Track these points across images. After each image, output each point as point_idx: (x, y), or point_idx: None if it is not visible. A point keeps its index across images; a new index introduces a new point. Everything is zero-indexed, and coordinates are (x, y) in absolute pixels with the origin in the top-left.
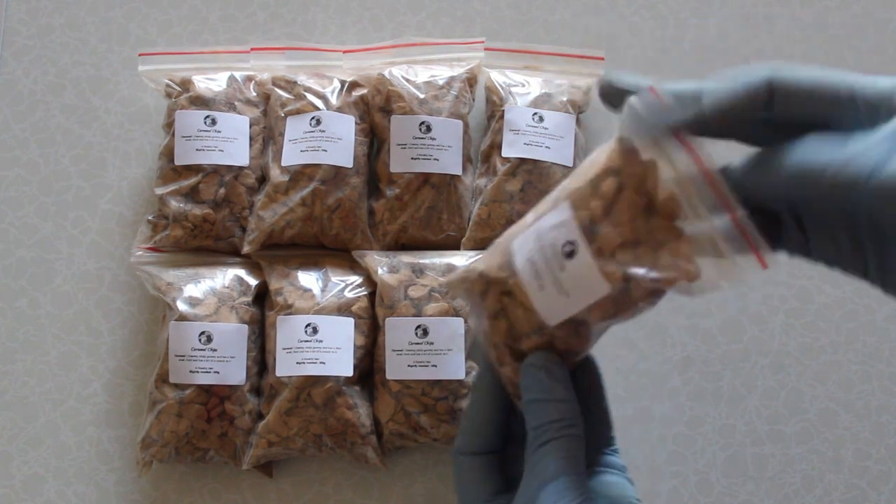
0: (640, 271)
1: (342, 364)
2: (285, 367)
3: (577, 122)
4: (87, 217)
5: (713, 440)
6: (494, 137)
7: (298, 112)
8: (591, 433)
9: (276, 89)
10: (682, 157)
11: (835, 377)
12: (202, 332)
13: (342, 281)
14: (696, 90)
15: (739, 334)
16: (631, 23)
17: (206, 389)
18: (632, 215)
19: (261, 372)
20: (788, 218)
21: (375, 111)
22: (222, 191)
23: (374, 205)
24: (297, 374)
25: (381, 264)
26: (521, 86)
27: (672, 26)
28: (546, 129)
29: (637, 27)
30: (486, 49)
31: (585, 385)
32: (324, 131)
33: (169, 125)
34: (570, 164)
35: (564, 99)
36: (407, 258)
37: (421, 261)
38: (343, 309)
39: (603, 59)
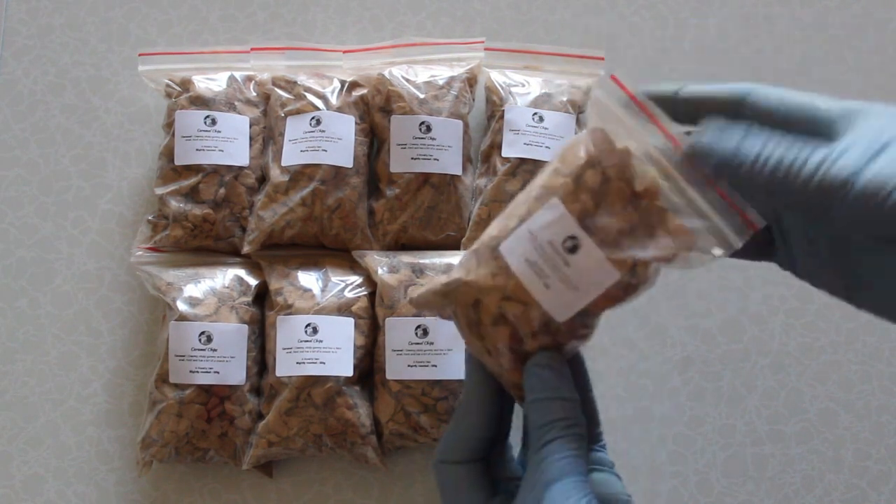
0: (643, 253)
1: (342, 364)
2: (285, 367)
3: (577, 122)
4: (87, 217)
5: (713, 440)
6: (494, 137)
7: (298, 112)
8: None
9: (276, 89)
10: (656, 138)
11: (835, 377)
12: (202, 332)
13: (342, 281)
14: (678, 84)
15: (739, 334)
16: (631, 23)
17: (206, 389)
18: (623, 203)
19: (261, 372)
20: (776, 231)
21: (375, 111)
22: (222, 191)
23: (374, 205)
24: (297, 374)
25: (381, 264)
26: (521, 86)
27: (672, 26)
28: (546, 129)
29: (637, 27)
30: (486, 49)
31: (574, 378)
32: (324, 131)
33: (169, 125)
34: None
35: (564, 99)
36: (407, 258)
37: (421, 261)
38: (343, 309)
39: (603, 58)
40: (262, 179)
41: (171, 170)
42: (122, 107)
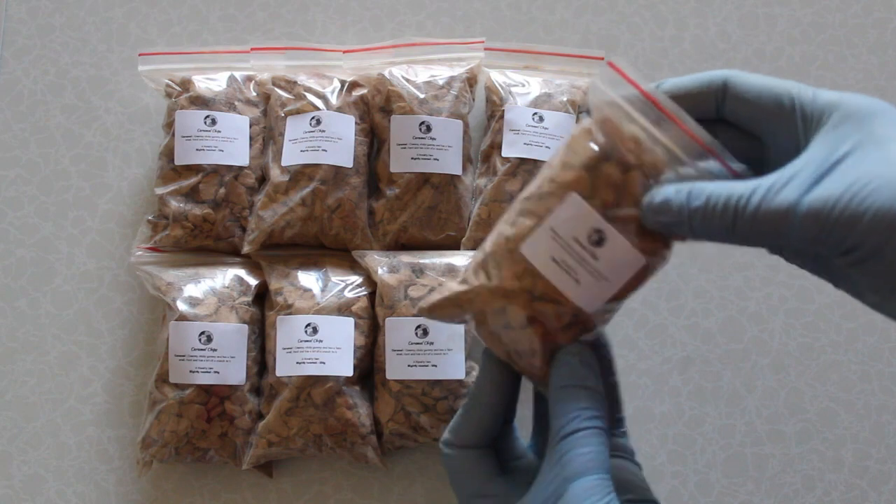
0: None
1: (342, 364)
2: (285, 366)
3: (578, 121)
4: (87, 217)
5: (713, 440)
6: (494, 137)
7: (298, 112)
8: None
9: (276, 89)
10: (657, 115)
11: (835, 377)
12: (202, 332)
13: (342, 281)
14: (655, 83)
15: (739, 334)
16: (631, 23)
17: (206, 389)
18: (641, 190)
19: (261, 372)
20: None
21: (375, 111)
22: (222, 191)
23: (374, 205)
24: (297, 374)
25: (381, 264)
26: (521, 86)
27: (672, 26)
28: (546, 128)
29: (637, 27)
30: (486, 49)
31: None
32: (324, 131)
33: (169, 125)
34: None
35: (564, 99)
36: (407, 258)
37: (421, 261)
38: (343, 309)
39: (603, 58)
40: (262, 179)
41: (171, 170)
42: (122, 107)
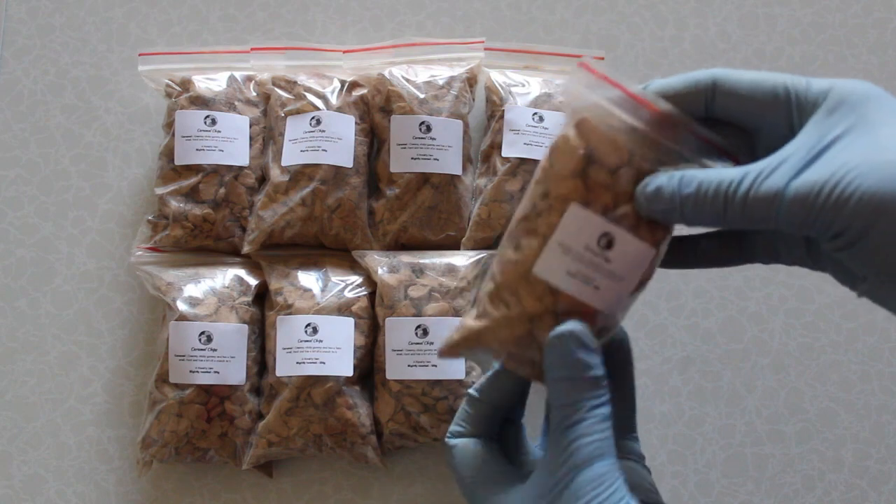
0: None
1: (342, 364)
2: (285, 366)
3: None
4: (87, 217)
5: (713, 440)
6: (494, 137)
7: (298, 112)
8: (616, 414)
9: (276, 89)
10: (640, 111)
11: (835, 377)
12: (202, 332)
13: (342, 281)
14: (642, 85)
15: (739, 334)
16: (631, 23)
17: (206, 389)
18: (633, 185)
19: (261, 372)
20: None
21: (375, 111)
22: (222, 191)
23: (374, 205)
24: (297, 374)
25: (381, 264)
26: (521, 86)
27: (672, 26)
28: (546, 128)
29: (637, 27)
30: (486, 49)
31: (615, 363)
32: (324, 131)
33: (169, 125)
34: None
35: (564, 99)
36: (407, 258)
37: (421, 261)
38: (343, 309)
39: (603, 58)
40: (262, 179)
41: (171, 170)
42: (122, 107)
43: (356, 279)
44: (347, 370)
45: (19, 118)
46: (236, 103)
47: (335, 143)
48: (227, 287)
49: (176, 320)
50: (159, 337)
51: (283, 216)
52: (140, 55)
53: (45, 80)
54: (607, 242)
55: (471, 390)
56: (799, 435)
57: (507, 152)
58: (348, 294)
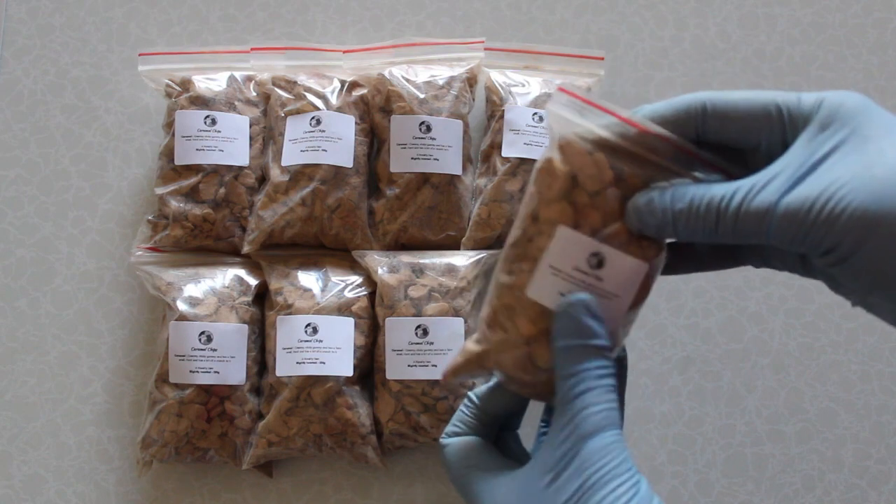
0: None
1: (342, 364)
2: (285, 366)
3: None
4: (87, 217)
5: (713, 440)
6: (494, 137)
7: (298, 112)
8: None
9: (276, 89)
10: (626, 129)
11: (835, 377)
12: (202, 332)
13: (342, 281)
14: (631, 111)
15: (739, 334)
16: (631, 23)
17: (206, 389)
18: (620, 203)
19: (261, 372)
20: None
21: (375, 111)
22: (222, 191)
23: (374, 205)
24: (297, 373)
25: (381, 264)
26: (521, 86)
27: (672, 26)
28: (546, 129)
29: (637, 27)
30: (486, 49)
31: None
32: (324, 131)
33: (169, 125)
34: None
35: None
36: (407, 258)
37: (421, 261)
38: (343, 309)
39: (603, 58)
40: (262, 179)
41: (171, 170)
42: (122, 107)
43: (356, 279)
44: (347, 370)
45: (19, 118)
46: (236, 103)
47: (335, 143)
48: (227, 287)
49: (176, 320)
50: (159, 337)
51: (283, 216)
52: (140, 55)
53: (45, 80)
54: (598, 262)
55: (471, 394)
56: (799, 435)
57: (507, 152)
58: (348, 294)
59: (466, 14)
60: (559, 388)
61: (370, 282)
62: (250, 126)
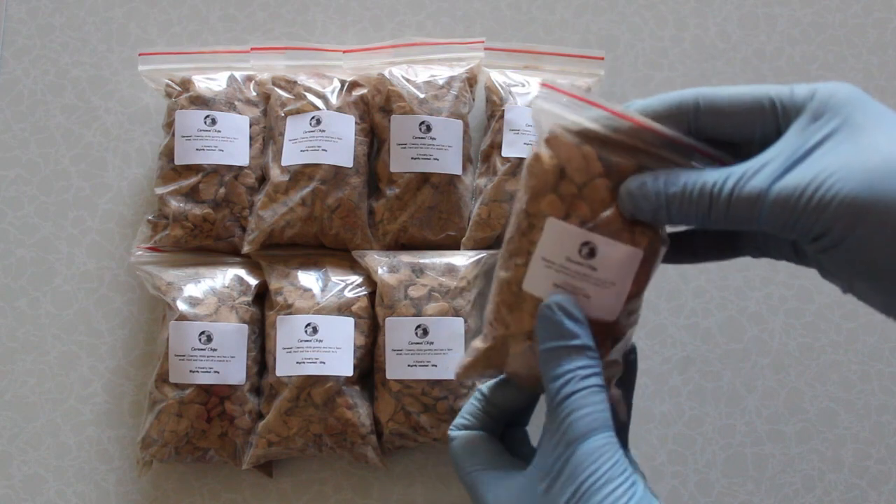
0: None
1: (342, 364)
2: (285, 366)
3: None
4: (87, 217)
5: (713, 440)
6: (494, 137)
7: (298, 112)
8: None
9: (276, 89)
10: (615, 122)
11: (835, 377)
12: (202, 332)
13: (342, 281)
14: (622, 105)
15: (739, 334)
16: (631, 23)
17: (206, 389)
18: (610, 192)
19: (261, 372)
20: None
21: (375, 111)
22: (222, 191)
23: (374, 205)
24: (297, 373)
25: (381, 264)
26: (521, 86)
27: (672, 26)
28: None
29: (637, 27)
30: (486, 49)
31: (620, 377)
32: (324, 131)
33: (169, 125)
34: None
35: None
36: (407, 258)
37: (421, 261)
38: (343, 309)
39: (603, 58)
40: (262, 179)
41: (171, 170)
42: (122, 107)
43: (356, 279)
44: (347, 370)
45: (19, 118)
46: (236, 103)
47: (335, 142)
48: (227, 287)
49: (176, 320)
50: (159, 337)
51: (283, 216)
52: (140, 55)
53: (45, 80)
54: (589, 251)
55: (482, 387)
56: (799, 435)
57: (507, 152)
58: (348, 294)
59: (466, 14)
60: (547, 392)
61: (370, 282)
62: (250, 126)
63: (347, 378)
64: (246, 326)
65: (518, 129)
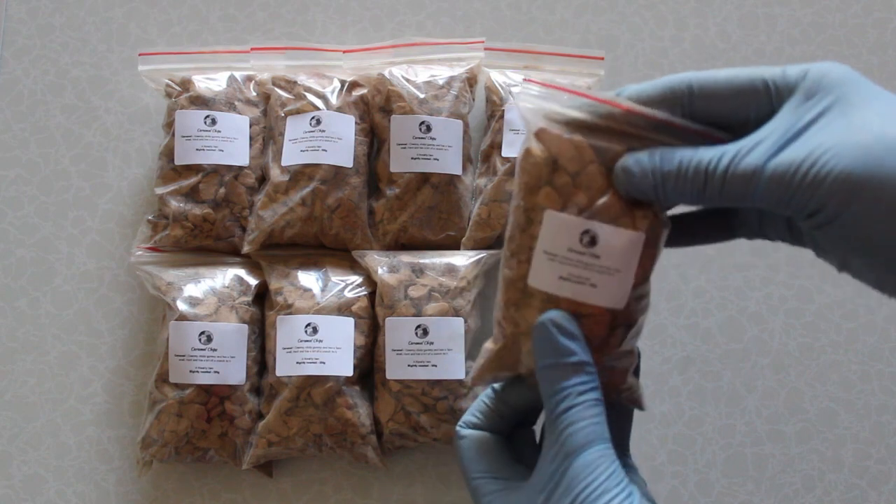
0: (641, 201)
1: (342, 364)
2: (285, 366)
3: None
4: (87, 217)
5: (713, 440)
6: (494, 137)
7: (298, 112)
8: (613, 431)
9: (276, 89)
10: (600, 108)
11: (835, 377)
12: (202, 332)
13: (342, 281)
14: (615, 91)
15: (739, 334)
16: (631, 23)
17: (206, 389)
18: (605, 178)
19: (261, 372)
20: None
21: (375, 111)
22: (222, 191)
23: (374, 205)
24: (297, 373)
25: (381, 264)
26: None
27: (672, 26)
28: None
29: (637, 27)
30: (486, 49)
31: None
32: (324, 131)
33: (169, 125)
34: None
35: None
36: (407, 258)
37: (421, 261)
38: (343, 309)
39: (603, 58)
40: (262, 179)
41: (171, 170)
42: (122, 107)
43: (356, 279)
44: (347, 370)
45: (19, 118)
46: (236, 103)
47: (335, 143)
48: (227, 287)
49: (176, 320)
50: (159, 337)
51: (283, 216)
52: (140, 55)
53: (45, 80)
54: (590, 240)
55: (494, 385)
56: (799, 435)
57: (507, 152)
58: (348, 294)
59: (466, 14)
60: (546, 406)
61: (370, 282)
62: (250, 126)
63: (347, 378)
64: (246, 326)
65: (518, 129)
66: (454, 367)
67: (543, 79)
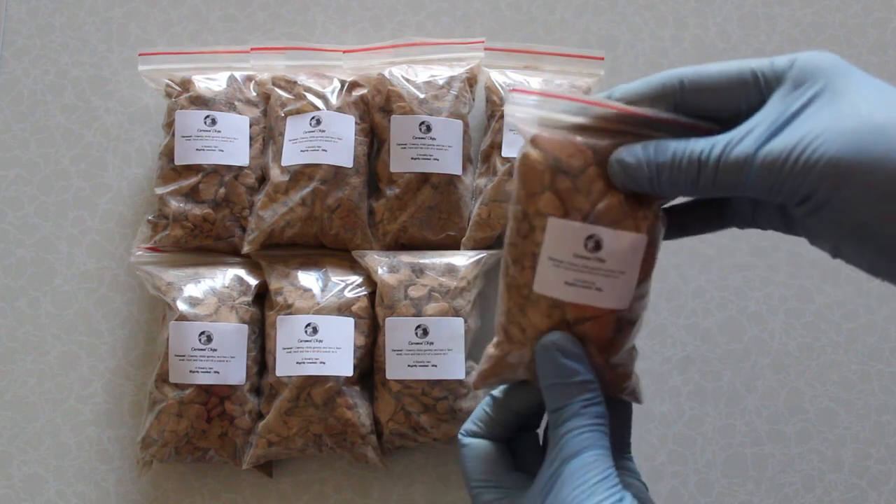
0: (644, 203)
1: (342, 364)
2: (285, 366)
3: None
4: (87, 217)
5: (713, 440)
6: (494, 137)
7: (298, 112)
8: (613, 433)
9: (276, 89)
10: (592, 110)
11: (835, 377)
12: (202, 332)
13: (342, 281)
14: (606, 92)
15: (739, 334)
16: (631, 23)
17: (206, 389)
18: (604, 181)
19: (261, 372)
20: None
21: (375, 111)
22: (222, 191)
23: (374, 205)
24: (297, 373)
25: (381, 264)
26: (521, 86)
27: (672, 26)
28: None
29: (637, 27)
30: (486, 49)
31: None
32: (324, 131)
33: (169, 125)
34: None
35: None
36: (407, 258)
37: (421, 261)
38: (343, 309)
39: (603, 58)
40: (262, 179)
41: (171, 170)
42: (122, 107)
43: (356, 279)
44: (347, 370)
45: (19, 118)
46: (236, 103)
47: (335, 143)
48: (227, 287)
49: (176, 320)
50: (159, 337)
51: (283, 216)
52: (140, 55)
53: (45, 80)
54: (595, 244)
55: (495, 392)
56: (799, 435)
57: (507, 152)
58: (348, 294)
59: (466, 14)
60: (549, 419)
61: (370, 282)
62: (250, 126)
63: (347, 378)
64: (246, 326)
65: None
66: (454, 367)
67: (544, 79)
